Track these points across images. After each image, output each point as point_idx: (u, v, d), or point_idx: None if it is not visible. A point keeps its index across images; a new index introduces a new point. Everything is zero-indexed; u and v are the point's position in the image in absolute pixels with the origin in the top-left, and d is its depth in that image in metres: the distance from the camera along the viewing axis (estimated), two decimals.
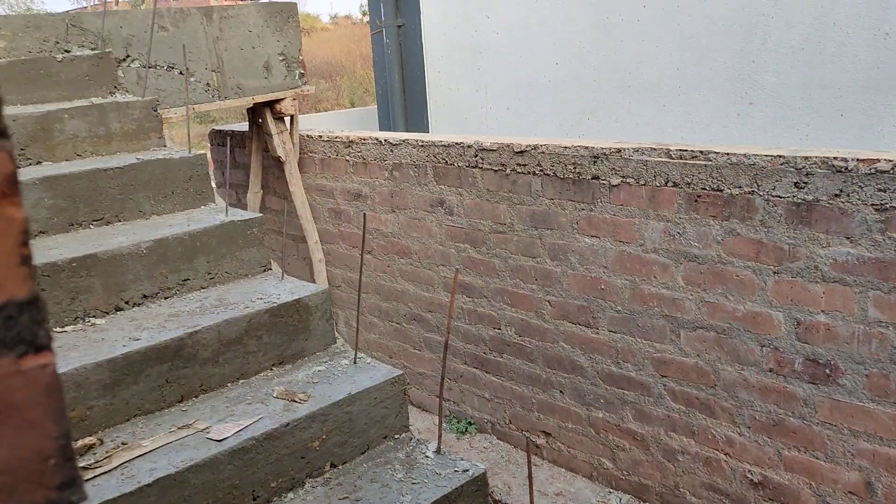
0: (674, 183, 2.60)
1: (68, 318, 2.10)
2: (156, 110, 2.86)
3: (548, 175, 2.98)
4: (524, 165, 3.05)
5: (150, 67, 3.27)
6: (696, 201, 2.56)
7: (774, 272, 2.41)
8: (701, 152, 2.52)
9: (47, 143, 2.57)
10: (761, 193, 2.37)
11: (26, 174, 2.35)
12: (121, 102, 2.78)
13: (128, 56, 3.23)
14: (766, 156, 2.36)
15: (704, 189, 2.52)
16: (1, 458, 0.45)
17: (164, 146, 2.87)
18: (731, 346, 2.57)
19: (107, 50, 3.08)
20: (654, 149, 2.65)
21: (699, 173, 2.53)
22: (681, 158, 2.57)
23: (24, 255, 0.44)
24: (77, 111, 2.66)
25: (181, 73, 3.39)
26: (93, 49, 3.08)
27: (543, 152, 2.98)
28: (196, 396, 2.06)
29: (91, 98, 2.89)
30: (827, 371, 2.35)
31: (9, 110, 2.57)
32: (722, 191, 2.48)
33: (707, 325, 2.62)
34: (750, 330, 2.51)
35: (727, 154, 2.45)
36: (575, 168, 2.88)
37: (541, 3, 4.18)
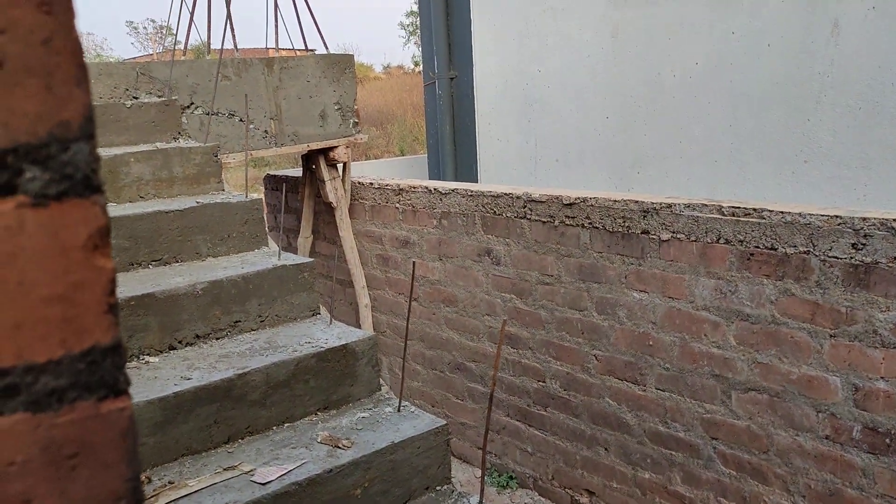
0: (726, 240, 2.57)
1: None
2: (216, 156, 2.97)
3: (597, 228, 2.98)
4: (573, 218, 3.06)
5: (212, 114, 3.41)
6: (748, 259, 2.52)
7: (831, 335, 2.34)
8: (754, 210, 2.50)
9: (113, 186, 2.68)
10: (817, 254, 2.33)
11: None
12: (184, 148, 2.89)
13: (192, 103, 3.37)
14: (822, 215, 2.32)
15: (758, 247, 2.48)
16: (77, 498, 0.47)
17: (223, 190, 2.96)
18: (785, 410, 2.49)
19: (173, 97, 3.21)
20: (706, 205, 2.63)
21: (752, 231, 2.49)
22: (733, 215, 2.55)
23: (111, 304, 0.47)
24: (142, 155, 2.77)
25: (241, 120, 3.52)
26: (160, 96, 3.22)
27: (593, 205, 2.98)
28: (242, 438, 2.08)
29: (156, 143, 3.01)
30: (887, 441, 2.26)
31: None
32: (776, 249, 2.44)
33: (760, 387, 2.55)
34: (805, 394, 2.43)
35: (781, 212, 2.42)
36: (624, 222, 2.87)
37: (592, 58, 4.23)
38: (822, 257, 2.32)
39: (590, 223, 3.00)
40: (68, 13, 0.43)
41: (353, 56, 4.12)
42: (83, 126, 0.45)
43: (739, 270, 2.55)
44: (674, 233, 2.72)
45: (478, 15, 4.82)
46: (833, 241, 2.29)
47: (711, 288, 2.64)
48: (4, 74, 0.42)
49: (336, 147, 4.00)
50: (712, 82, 3.71)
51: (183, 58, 3.95)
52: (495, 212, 3.38)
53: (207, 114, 3.40)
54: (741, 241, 2.53)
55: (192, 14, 4.29)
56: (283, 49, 4.64)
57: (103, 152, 2.75)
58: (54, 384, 0.44)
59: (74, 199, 0.45)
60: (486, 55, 4.84)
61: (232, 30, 4.19)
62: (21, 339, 0.43)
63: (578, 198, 3.03)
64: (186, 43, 4.76)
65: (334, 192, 4.06)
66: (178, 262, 2.57)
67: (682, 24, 3.79)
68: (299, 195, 4.46)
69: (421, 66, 5.57)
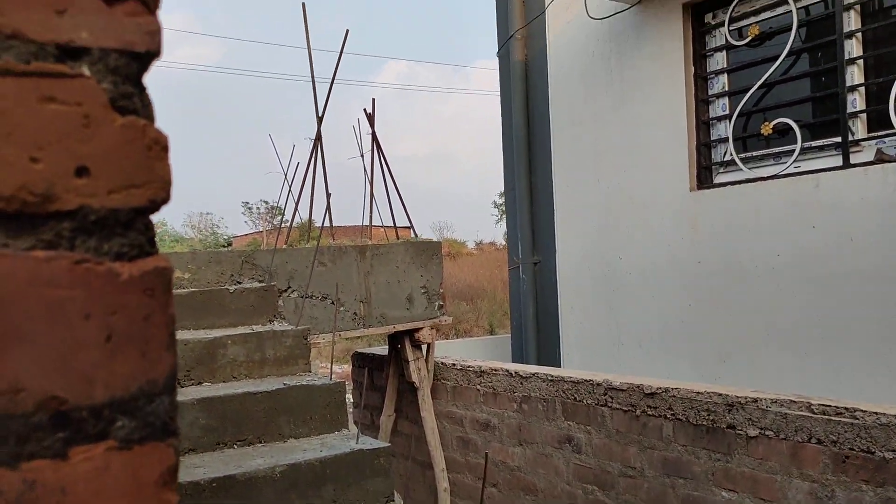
0: (818, 440, 2.44)
1: None
2: (306, 339, 3.14)
3: (680, 420, 2.89)
4: (655, 408, 2.99)
5: (306, 298, 3.64)
6: (843, 462, 2.37)
7: None
8: (846, 409, 2.38)
9: (210, 366, 2.87)
10: None
11: (187, 394, 2.61)
12: (277, 331, 3.08)
13: (289, 287, 3.63)
14: None
15: (853, 449, 2.34)
16: None
17: (309, 372, 3.10)
18: None
19: (272, 283, 3.48)
20: (795, 401, 2.54)
21: (846, 432, 2.37)
22: (824, 414, 2.44)
23: None
24: (239, 338, 2.97)
25: (333, 303, 3.73)
26: (260, 281, 3.50)
27: (675, 396, 2.92)
28: None
29: (253, 326, 3.23)
30: None
31: (183, 335, 2.92)
32: (873, 453, 2.29)
33: None
34: None
35: (876, 413, 2.30)
36: (709, 415, 2.78)
37: (673, 248, 4.31)
38: None
39: (672, 415, 2.92)
40: (166, 294, 0.55)
41: (440, 243, 4.37)
42: (167, 382, 0.55)
43: (835, 474, 2.39)
44: (762, 429, 2.61)
45: (561, 204, 5.06)
46: None
47: (806, 492, 2.47)
48: (111, 345, 0.53)
49: (421, 328, 4.13)
50: (796, 273, 3.69)
51: (284, 246, 4.30)
52: (575, 398, 3.35)
53: (302, 297, 3.64)
54: (834, 442, 2.39)
55: (297, 201, 4.71)
56: (376, 226, 4.97)
57: (205, 334, 2.98)
58: None
59: (153, 443, 0.54)
60: (569, 242, 5.01)
61: (330, 216, 4.55)
62: None
63: (660, 388, 2.98)
64: (292, 223, 5.20)
65: (417, 371, 4.15)
66: (261, 442, 2.66)
67: (760, 218, 3.84)
68: (384, 373, 4.56)
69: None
